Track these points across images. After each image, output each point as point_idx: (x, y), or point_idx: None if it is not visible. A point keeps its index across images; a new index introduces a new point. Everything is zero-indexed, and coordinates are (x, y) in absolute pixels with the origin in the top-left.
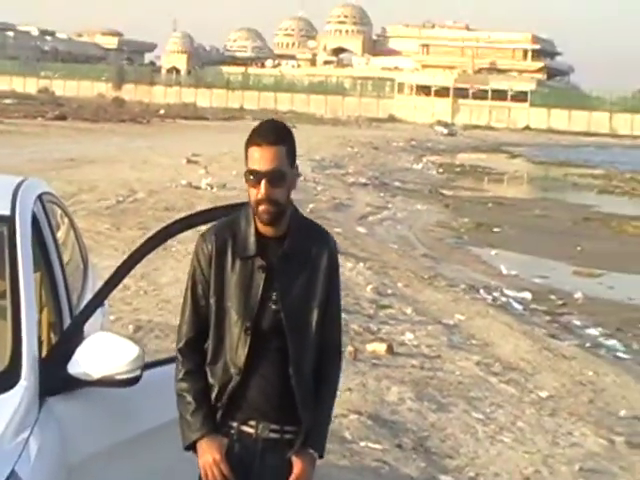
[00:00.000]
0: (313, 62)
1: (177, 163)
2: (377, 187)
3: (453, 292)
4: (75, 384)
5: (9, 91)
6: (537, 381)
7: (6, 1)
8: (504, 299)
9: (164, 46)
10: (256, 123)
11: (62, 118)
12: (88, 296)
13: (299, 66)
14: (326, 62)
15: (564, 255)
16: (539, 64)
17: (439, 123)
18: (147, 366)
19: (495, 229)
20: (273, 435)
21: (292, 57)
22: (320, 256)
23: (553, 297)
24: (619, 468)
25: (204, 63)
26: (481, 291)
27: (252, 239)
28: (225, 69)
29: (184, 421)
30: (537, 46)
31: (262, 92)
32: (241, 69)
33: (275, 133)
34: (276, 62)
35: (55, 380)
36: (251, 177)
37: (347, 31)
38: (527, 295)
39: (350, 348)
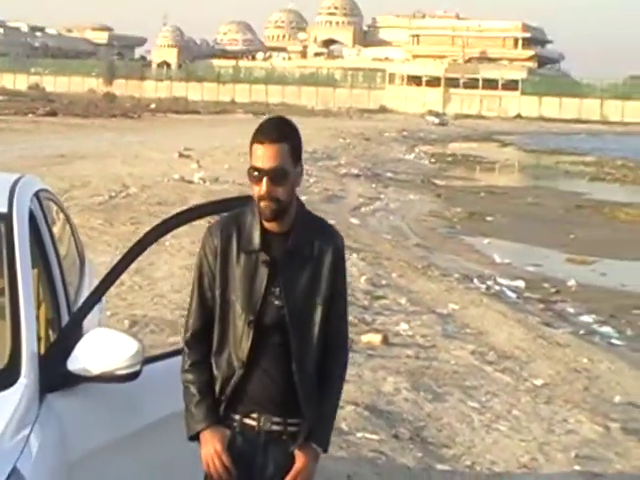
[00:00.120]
0: (304, 54)
1: (169, 157)
2: (369, 178)
3: (447, 282)
4: (75, 380)
5: None
6: (532, 369)
7: None
8: (498, 288)
9: (154, 40)
10: (247, 116)
11: (53, 114)
12: (85, 292)
13: (290, 58)
14: (317, 54)
15: (557, 243)
16: (530, 52)
17: (430, 113)
18: (147, 361)
19: (488, 218)
20: (276, 428)
21: (283, 49)
22: (325, 252)
23: (546, 285)
24: (615, 454)
25: (195, 57)
26: (475, 280)
27: (257, 234)
28: (216, 62)
29: (188, 412)
30: (527, 34)
31: (253, 85)
32: (232, 62)
33: (278, 131)
34: (267, 55)
35: (55, 377)
36: (254, 174)
37: (337, 22)
38: (520, 283)
39: None
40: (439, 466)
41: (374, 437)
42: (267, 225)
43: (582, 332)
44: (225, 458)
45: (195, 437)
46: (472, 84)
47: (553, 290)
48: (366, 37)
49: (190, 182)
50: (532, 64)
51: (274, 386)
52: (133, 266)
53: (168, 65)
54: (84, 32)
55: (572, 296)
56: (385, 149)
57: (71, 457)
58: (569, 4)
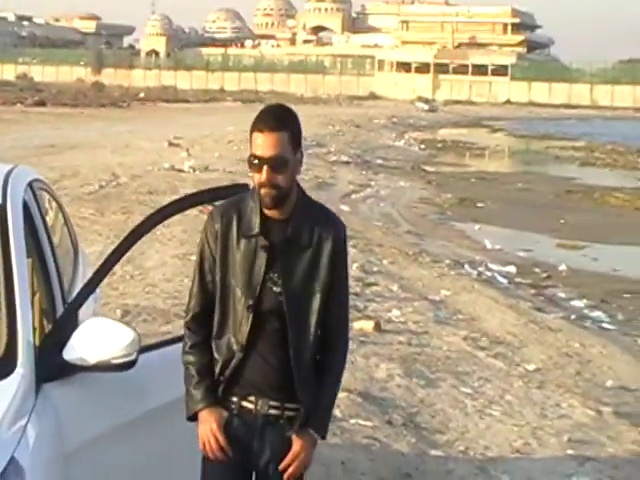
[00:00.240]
0: (293, 41)
1: (159, 146)
2: (359, 165)
3: (438, 268)
4: (71, 370)
5: None
6: (524, 354)
7: None
8: (489, 273)
9: (142, 29)
10: (237, 104)
11: (41, 104)
12: (79, 282)
13: (279, 46)
14: (306, 41)
15: (547, 228)
16: (519, 37)
17: (420, 99)
18: (143, 350)
19: (478, 204)
20: (273, 412)
21: (272, 37)
22: (325, 240)
23: (537, 270)
24: (607, 438)
25: (183, 45)
26: (466, 266)
27: (257, 219)
28: (205, 51)
29: (188, 393)
30: (517, 19)
31: (242, 73)
32: (221, 50)
33: (277, 119)
34: (256, 42)
35: (51, 366)
36: (254, 162)
37: (326, 9)
38: (512, 269)
39: None
40: (433, 452)
41: (368, 423)
42: (267, 212)
43: (573, 317)
44: (220, 438)
45: (194, 417)
46: (461, 70)
47: (544, 275)
48: (355, 24)
49: (180, 171)
50: (521, 49)
51: (272, 371)
52: (124, 256)
53: (157, 54)
54: (72, 21)
55: (563, 281)
56: (375, 136)
57: (68, 447)
58: None
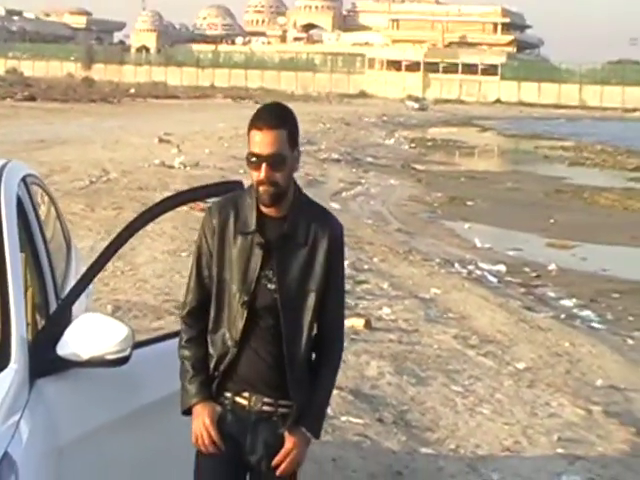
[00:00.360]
0: (283, 39)
1: (149, 142)
2: (350, 163)
3: (428, 266)
4: (64, 365)
5: None
6: (514, 353)
7: None
8: (479, 272)
9: (133, 25)
10: (227, 101)
11: (31, 99)
12: (72, 277)
13: (269, 43)
14: (296, 38)
15: (537, 227)
16: (509, 37)
17: (410, 98)
18: (136, 345)
19: (468, 203)
20: (266, 408)
21: (262, 34)
22: (321, 239)
23: (527, 269)
24: (597, 437)
25: (174, 41)
26: (456, 265)
27: (253, 215)
28: (195, 47)
29: (183, 387)
30: (507, 19)
31: (233, 70)
32: (211, 47)
33: (276, 117)
34: (246, 39)
35: (44, 362)
36: (252, 160)
37: (317, 7)
38: (502, 268)
39: None
40: (423, 450)
41: (359, 421)
42: (264, 209)
43: (563, 316)
44: (213, 432)
45: (188, 412)
46: (451, 69)
47: (534, 274)
48: (346, 22)
49: (171, 167)
50: (511, 49)
51: (266, 367)
52: None
53: (147, 50)
54: (62, 16)
55: (553, 280)
56: (365, 134)
57: (61, 442)
58: None
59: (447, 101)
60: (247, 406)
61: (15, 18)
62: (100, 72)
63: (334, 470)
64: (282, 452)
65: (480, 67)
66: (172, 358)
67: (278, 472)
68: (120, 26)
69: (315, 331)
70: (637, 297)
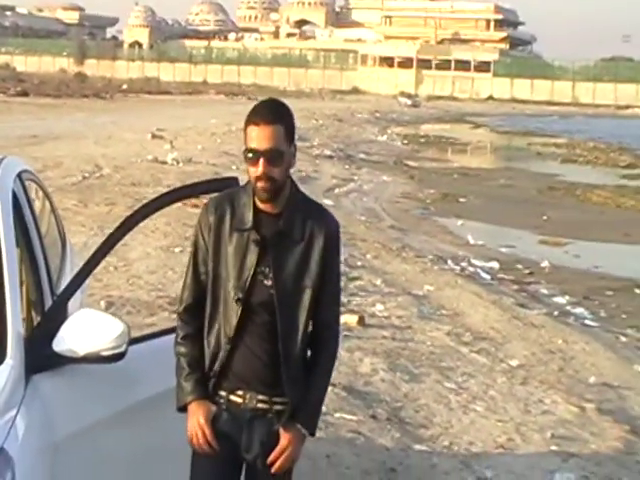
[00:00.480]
0: (276, 35)
1: (142, 138)
2: (342, 159)
3: (421, 263)
4: (60, 361)
5: None
6: (507, 350)
7: None
8: (472, 269)
9: (126, 20)
10: (220, 97)
11: (24, 94)
12: (67, 273)
13: (262, 39)
14: (289, 34)
15: (530, 224)
16: (502, 34)
17: (403, 94)
18: (132, 342)
19: (461, 199)
20: (261, 405)
21: (255, 30)
22: (316, 236)
23: (520, 266)
24: (590, 434)
25: (166, 37)
26: (449, 261)
27: (250, 212)
28: (188, 43)
29: (178, 384)
30: (500, 16)
31: (225, 66)
32: (204, 43)
33: (273, 112)
34: (239, 35)
35: (40, 358)
36: (249, 155)
37: (310, 3)
38: (495, 265)
39: None
40: (417, 446)
41: (352, 418)
42: (260, 205)
43: (556, 313)
44: (207, 431)
45: (183, 409)
46: (444, 65)
47: (527, 271)
48: (338, 18)
49: (163, 163)
50: (504, 46)
51: (260, 364)
52: None
53: (140, 45)
54: (55, 12)
55: (546, 277)
56: (358, 130)
57: (57, 438)
58: None
59: (440, 98)
60: (242, 404)
61: (8, 13)
62: (93, 67)
63: (328, 467)
64: (277, 449)
65: (473, 64)
66: (168, 354)
67: (273, 469)
68: (113, 22)
69: (310, 328)
70: (630, 294)
